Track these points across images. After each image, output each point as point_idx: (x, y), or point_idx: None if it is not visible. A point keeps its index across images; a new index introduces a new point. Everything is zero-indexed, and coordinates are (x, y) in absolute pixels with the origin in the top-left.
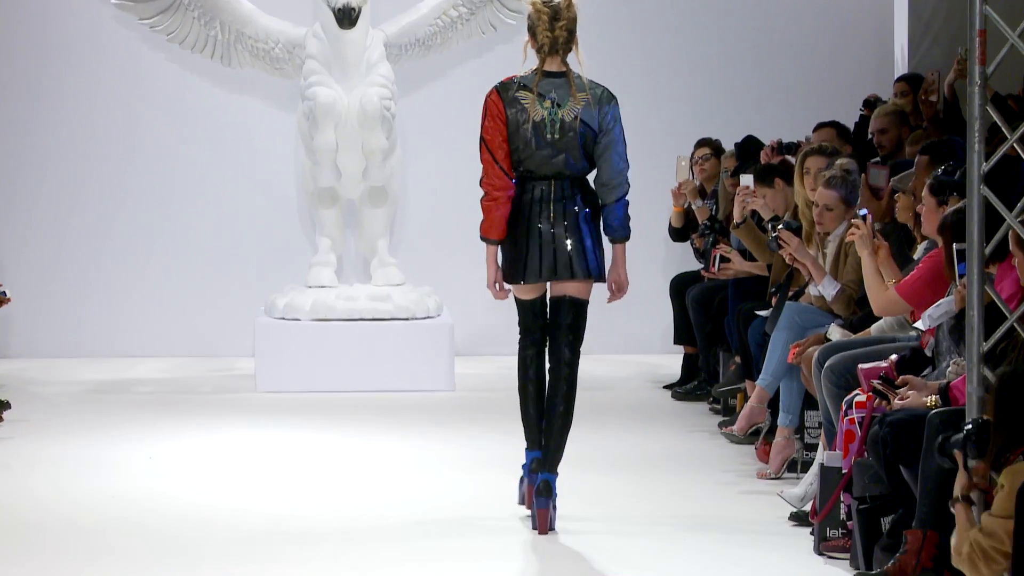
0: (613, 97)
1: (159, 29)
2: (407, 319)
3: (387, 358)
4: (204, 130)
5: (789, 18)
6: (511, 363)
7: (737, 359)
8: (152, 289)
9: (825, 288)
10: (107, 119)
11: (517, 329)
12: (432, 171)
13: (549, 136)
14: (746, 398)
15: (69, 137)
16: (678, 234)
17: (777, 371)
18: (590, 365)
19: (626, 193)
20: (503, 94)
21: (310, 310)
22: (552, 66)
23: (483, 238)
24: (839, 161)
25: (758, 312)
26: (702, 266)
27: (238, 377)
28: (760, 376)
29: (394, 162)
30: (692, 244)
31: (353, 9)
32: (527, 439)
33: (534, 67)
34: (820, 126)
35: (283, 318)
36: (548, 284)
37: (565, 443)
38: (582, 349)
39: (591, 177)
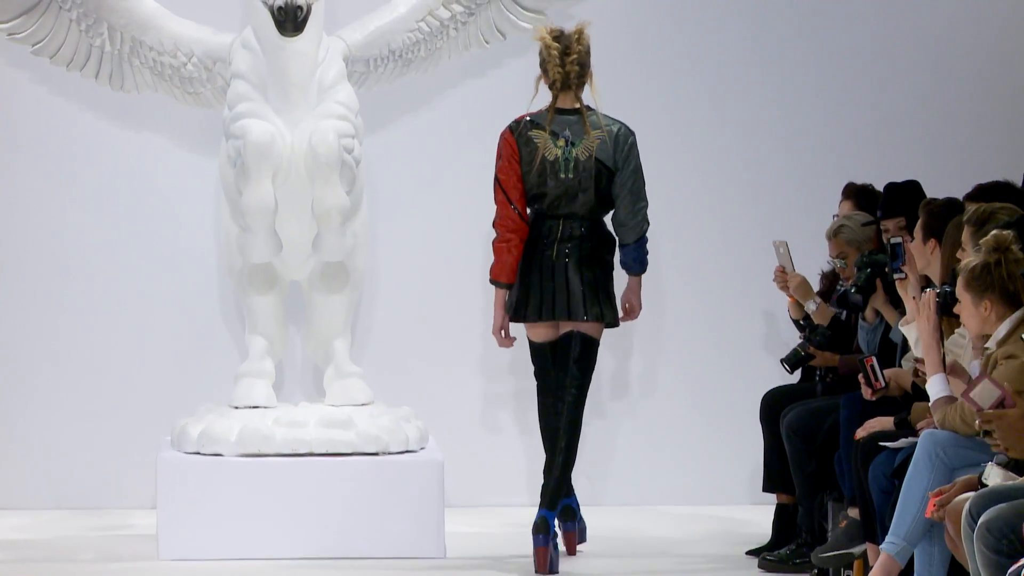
0: (631, 133)
1: (21, 37)
2: (376, 454)
3: (348, 510)
4: (86, 182)
5: (921, 34)
6: (525, 516)
7: (853, 512)
8: (11, 414)
9: (932, 386)
10: None
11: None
12: (412, 240)
13: (563, 175)
14: (867, 569)
15: None
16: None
17: (912, 531)
18: (647, 521)
19: (645, 231)
20: (516, 133)
21: (237, 441)
22: (565, 103)
23: (493, 281)
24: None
25: (885, 444)
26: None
27: (133, 538)
28: (887, 538)
29: (358, 227)
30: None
31: (299, 7)
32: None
33: (548, 103)
34: (980, 189)
35: (198, 453)
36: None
37: (567, 480)
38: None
39: (607, 217)
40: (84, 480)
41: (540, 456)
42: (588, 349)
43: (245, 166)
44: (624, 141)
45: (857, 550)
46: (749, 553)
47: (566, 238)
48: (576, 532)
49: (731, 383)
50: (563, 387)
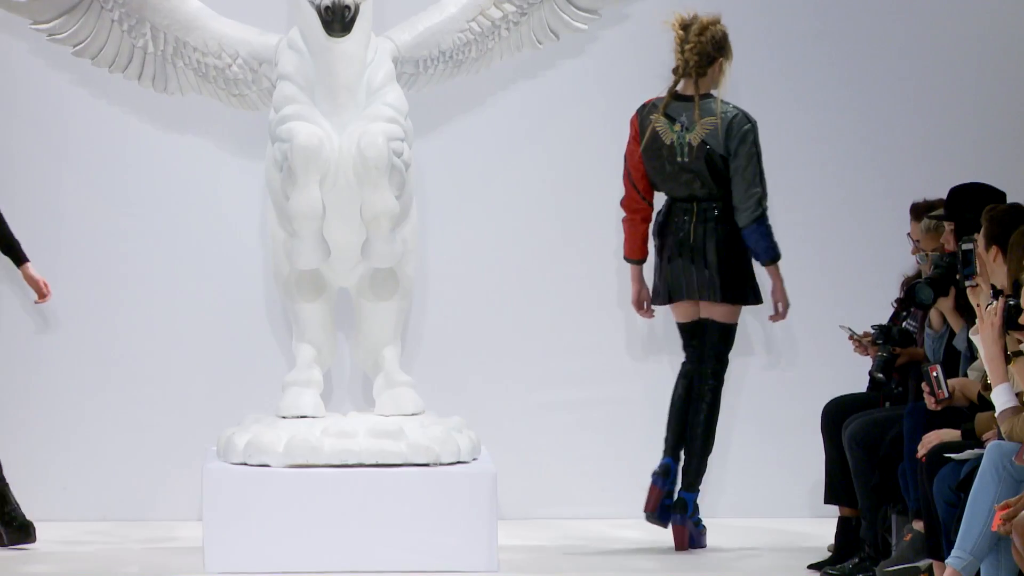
0: (748, 121)
1: (62, 38)
2: (427, 465)
3: (398, 522)
4: (128, 187)
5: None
6: (580, 530)
7: (918, 525)
8: (55, 423)
9: (998, 396)
10: None
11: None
12: (463, 246)
13: (680, 159)
14: None
15: None
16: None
17: (978, 545)
18: (707, 534)
19: (759, 217)
20: (641, 115)
21: (284, 452)
22: (686, 89)
23: (625, 258)
24: None
25: (950, 455)
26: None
27: (178, 551)
28: (953, 552)
29: (408, 234)
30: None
31: (347, 7)
32: (665, 442)
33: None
34: None
35: (245, 464)
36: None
37: (705, 464)
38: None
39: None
40: (129, 491)
41: (597, 466)
42: (723, 335)
43: (292, 170)
44: (738, 128)
45: (923, 564)
46: (811, 567)
47: (699, 220)
48: (686, 527)
49: (791, 393)
50: (701, 371)
